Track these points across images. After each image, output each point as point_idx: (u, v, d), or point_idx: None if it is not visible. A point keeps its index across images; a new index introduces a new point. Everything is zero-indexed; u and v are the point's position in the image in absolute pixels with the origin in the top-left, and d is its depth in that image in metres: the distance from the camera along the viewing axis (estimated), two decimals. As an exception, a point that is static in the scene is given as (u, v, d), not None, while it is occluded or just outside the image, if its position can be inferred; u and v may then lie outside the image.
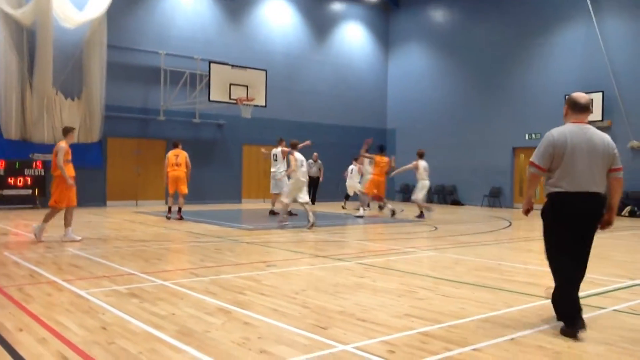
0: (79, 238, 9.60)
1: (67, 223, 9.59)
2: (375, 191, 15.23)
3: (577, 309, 4.33)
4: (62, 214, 9.64)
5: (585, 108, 4.58)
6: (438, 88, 23.81)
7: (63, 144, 9.50)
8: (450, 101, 23.31)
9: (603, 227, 4.54)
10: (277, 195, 14.57)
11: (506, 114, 21.17)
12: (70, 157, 9.59)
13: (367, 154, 15.47)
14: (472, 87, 22.62)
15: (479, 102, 22.22)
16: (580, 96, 4.61)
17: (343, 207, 18.35)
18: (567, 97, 4.75)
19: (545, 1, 20.33)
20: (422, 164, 15.18)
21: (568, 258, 4.42)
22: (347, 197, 18.69)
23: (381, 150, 15.76)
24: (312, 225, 11.85)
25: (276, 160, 14.85)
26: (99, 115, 17.79)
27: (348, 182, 18.02)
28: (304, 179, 12.24)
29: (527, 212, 4.77)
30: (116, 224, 12.97)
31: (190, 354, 3.72)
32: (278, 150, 14.82)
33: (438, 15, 24.30)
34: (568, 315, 4.35)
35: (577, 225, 4.39)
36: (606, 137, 4.53)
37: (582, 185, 4.36)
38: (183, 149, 14.04)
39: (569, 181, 4.37)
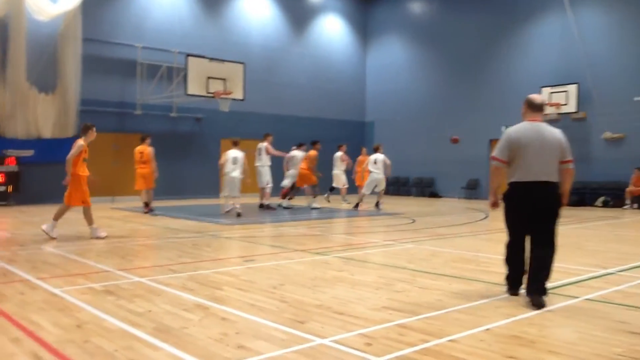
0: (106, 234, 9.50)
1: (90, 221, 9.41)
2: (305, 184, 15.69)
3: (519, 274, 5.22)
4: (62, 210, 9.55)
5: (539, 107, 5.24)
6: (416, 80, 23.91)
7: (81, 142, 9.26)
8: (428, 93, 23.43)
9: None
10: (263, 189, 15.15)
11: (483, 106, 21.36)
12: (87, 156, 9.35)
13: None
14: (450, 80, 22.76)
15: (457, 95, 22.38)
16: (536, 97, 5.30)
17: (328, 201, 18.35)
18: (526, 98, 5.32)
19: (522, -6, 20.53)
20: (374, 157, 15.39)
21: (521, 236, 5.20)
22: (331, 189, 18.70)
23: (313, 144, 16.00)
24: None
25: (260, 154, 15.11)
26: (74, 110, 17.50)
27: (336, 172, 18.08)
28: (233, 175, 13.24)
29: (493, 204, 5.48)
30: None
31: (167, 351, 3.70)
32: (263, 145, 15.08)
33: (416, 7, 24.37)
34: (511, 277, 5.29)
35: (530, 208, 5.04)
36: (557, 132, 5.14)
37: (534, 176, 5.00)
38: (152, 143, 14.17)
39: (523, 172, 5.03)
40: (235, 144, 13.87)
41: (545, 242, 5.06)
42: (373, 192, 15.90)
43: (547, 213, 5.05)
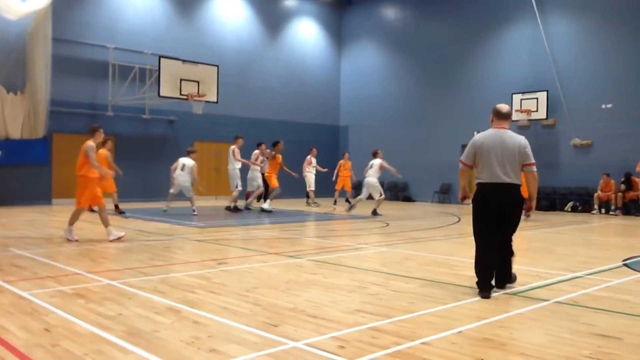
0: (123, 233, 9.38)
1: (106, 223, 9.24)
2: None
3: (487, 277, 5.50)
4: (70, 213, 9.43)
5: (506, 116, 5.72)
6: (390, 85, 24.10)
7: (92, 143, 9.16)
8: (401, 98, 23.64)
9: (526, 212, 5.95)
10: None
11: (456, 111, 21.63)
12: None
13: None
14: (423, 85, 23.00)
15: (430, 100, 22.62)
16: (503, 107, 5.78)
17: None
18: (494, 108, 5.81)
19: (494, 1, 20.86)
20: (371, 162, 15.26)
21: (486, 233, 5.58)
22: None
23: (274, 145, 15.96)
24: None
25: (229, 157, 15.30)
26: (44, 110, 17.18)
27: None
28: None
29: (463, 199, 6.07)
30: (62, 222, 12.53)
31: (138, 355, 3.64)
32: (232, 148, 15.29)
33: (390, 13, 24.58)
34: (481, 280, 5.49)
35: (493, 207, 5.50)
36: (519, 138, 5.58)
37: (495, 177, 5.47)
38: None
39: (486, 174, 5.53)
40: (189, 153, 14.57)
41: (505, 242, 5.63)
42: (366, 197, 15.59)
43: (510, 213, 5.56)
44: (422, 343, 3.95)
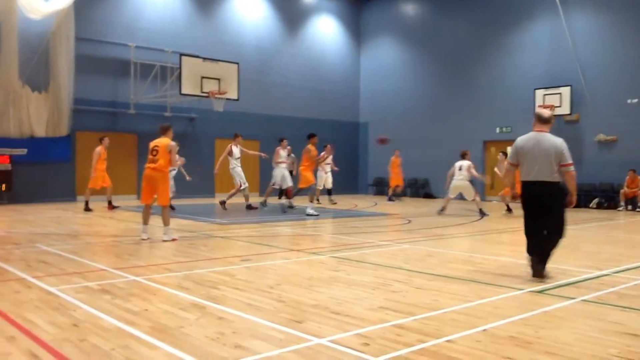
0: (176, 237, 9.24)
1: (166, 221, 9.12)
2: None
3: (537, 261, 6.11)
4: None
5: (546, 120, 6.29)
6: (410, 81, 23.96)
7: (173, 142, 9.14)
8: (422, 94, 23.49)
9: (568, 206, 6.29)
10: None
11: (477, 107, 21.43)
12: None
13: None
14: (443, 81, 22.83)
15: (451, 96, 22.44)
16: (544, 112, 6.39)
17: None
18: (535, 111, 6.49)
19: (515, -4, 20.62)
20: (459, 164, 14.90)
21: (532, 225, 6.26)
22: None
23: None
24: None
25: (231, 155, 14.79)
26: (67, 109, 17.44)
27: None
28: None
29: (513, 197, 6.92)
30: (86, 219, 12.76)
31: (164, 350, 3.68)
32: (230, 146, 14.84)
33: (409, 8, 24.43)
34: (532, 265, 6.16)
35: (534, 202, 6.19)
36: (556, 141, 6.11)
37: (533, 176, 6.12)
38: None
39: (526, 173, 6.21)
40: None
41: (551, 229, 6.16)
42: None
43: (550, 208, 6.13)
44: (447, 341, 3.93)
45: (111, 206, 14.99)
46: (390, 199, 20.37)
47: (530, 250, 6.25)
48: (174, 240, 8.98)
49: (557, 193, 6.11)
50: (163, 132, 9.34)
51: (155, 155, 8.99)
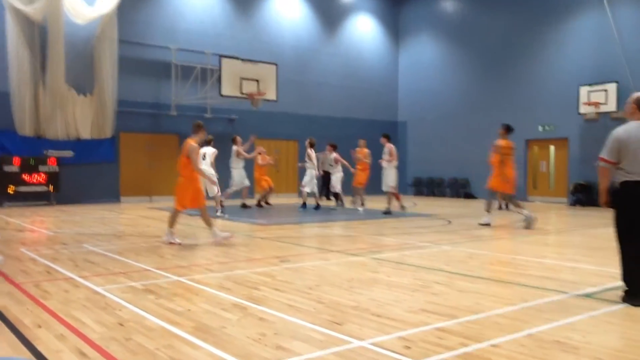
0: (229, 234, 9.03)
1: (209, 223, 8.86)
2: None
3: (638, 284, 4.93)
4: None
5: None
6: (449, 79, 23.67)
7: (194, 143, 8.70)
8: (461, 93, 23.17)
9: None
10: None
11: (518, 105, 21.00)
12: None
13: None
14: (483, 78, 22.47)
15: (491, 93, 22.07)
16: None
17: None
18: (635, 97, 5.20)
19: (558, -9, 20.12)
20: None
21: (635, 237, 4.98)
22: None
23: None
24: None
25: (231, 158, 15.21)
26: (111, 111, 17.90)
27: None
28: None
29: (605, 203, 5.27)
30: (130, 219, 13.06)
31: (207, 350, 3.73)
32: (233, 148, 15.15)
33: (448, 5, 24.13)
34: (631, 288, 5.00)
35: None
36: None
37: None
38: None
39: (633, 171, 5.00)
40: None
41: None
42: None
43: None
44: (491, 345, 3.86)
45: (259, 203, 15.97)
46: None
47: (632, 272, 5.05)
48: (228, 238, 8.83)
49: None
50: (194, 130, 8.96)
51: (180, 159, 8.79)
